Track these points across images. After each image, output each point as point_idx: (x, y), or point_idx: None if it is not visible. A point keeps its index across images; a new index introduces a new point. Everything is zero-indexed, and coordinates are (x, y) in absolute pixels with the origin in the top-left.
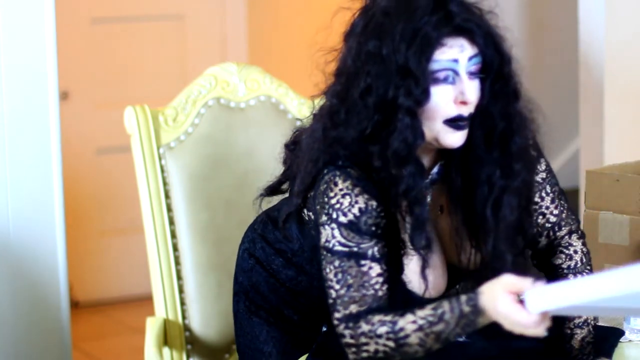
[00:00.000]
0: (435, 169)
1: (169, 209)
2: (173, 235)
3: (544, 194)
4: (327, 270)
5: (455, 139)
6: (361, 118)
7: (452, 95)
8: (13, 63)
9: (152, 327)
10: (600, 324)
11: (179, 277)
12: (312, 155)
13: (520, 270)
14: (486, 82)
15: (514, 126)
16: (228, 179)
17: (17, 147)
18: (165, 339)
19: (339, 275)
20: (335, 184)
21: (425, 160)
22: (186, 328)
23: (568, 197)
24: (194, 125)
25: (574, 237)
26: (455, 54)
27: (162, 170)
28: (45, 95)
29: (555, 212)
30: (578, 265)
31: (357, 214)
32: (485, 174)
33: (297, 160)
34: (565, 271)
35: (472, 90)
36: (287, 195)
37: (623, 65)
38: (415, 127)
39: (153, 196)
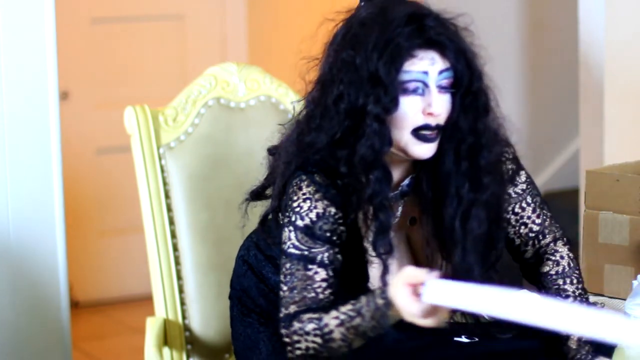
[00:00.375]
0: (406, 181)
1: (169, 209)
2: (173, 235)
3: (524, 205)
4: (281, 270)
5: (423, 150)
6: (333, 124)
7: (420, 106)
8: (13, 63)
9: (152, 327)
10: None
11: (179, 277)
12: (287, 159)
13: (490, 282)
14: (457, 97)
15: (483, 141)
16: (228, 179)
17: (17, 147)
18: (165, 339)
19: (288, 277)
20: (300, 188)
21: (397, 172)
22: (186, 328)
23: (568, 197)
24: (194, 125)
25: (559, 243)
26: (426, 67)
27: (162, 170)
28: (45, 95)
29: (538, 221)
30: (566, 270)
31: (314, 218)
32: (454, 187)
33: (275, 164)
34: (554, 277)
35: (439, 102)
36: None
37: (623, 65)
38: (383, 134)
39: (153, 196)
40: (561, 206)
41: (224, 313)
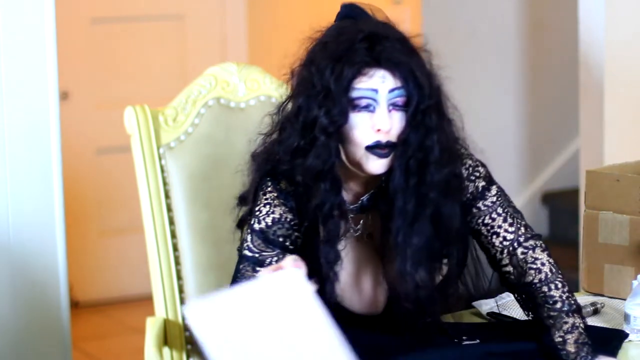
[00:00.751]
0: (366, 196)
1: (169, 209)
2: (173, 235)
3: (495, 215)
4: (235, 270)
5: (376, 166)
6: (294, 135)
7: (370, 123)
8: (13, 63)
9: (152, 327)
10: (601, 325)
11: (179, 277)
12: (258, 166)
13: (430, 294)
14: (408, 115)
15: (431, 157)
16: (228, 179)
17: (17, 147)
18: (165, 339)
19: (238, 278)
20: (264, 194)
21: (359, 186)
22: (186, 328)
23: (568, 197)
24: (194, 125)
25: (538, 250)
26: (376, 84)
27: (162, 170)
28: (45, 95)
29: (511, 229)
30: (549, 277)
31: (270, 223)
32: (401, 202)
33: (252, 170)
34: (538, 285)
35: (385, 119)
36: None
37: (623, 65)
38: (330, 146)
39: (153, 196)
40: (561, 206)
41: None
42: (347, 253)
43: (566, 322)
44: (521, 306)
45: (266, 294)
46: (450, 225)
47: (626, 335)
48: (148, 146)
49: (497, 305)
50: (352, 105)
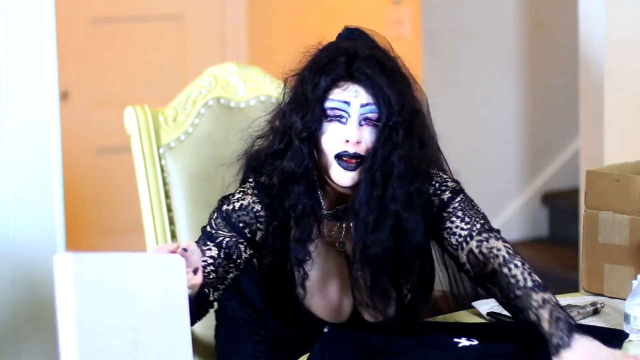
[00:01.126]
0: (342, 207)
1: (169, 209)
2: (173, 235)
3: (454, 218)
4: None
5: (343, 177)
6: (276, 138)
7: (340, 133)
8: (13, 63)
9: None
10: (601, 325)
11: None
12: (250, 163)
13: (393, 306)
14: (378, 130)
15: (395, 171)
16: (228, 179)
17: (17, 147)
18: None
19: None
20: (244, 183)
21: (336, 196)
22: None
23: (568, 197)
24: (194, 125)
25: (492, 240)
26: (348, 97)
27: (162, 170)
28: (45, 95)
29: (466, 226)
30: (507, 258)
31: (236, 207)
32: (363, 213)
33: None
34: (498, 269)
35: (354, 132)
36: None
37: (623, 65)
38: (304, 150)
39: (153, 196)
40: (561, 206)
41: None
42: (317, 257)
43: (535, 300)
44: (506, 309)
45: (141, 268)
46: (413, 238)
47: (626, 335)
48: (148, 146)
49: (497, 305)
50: (326, 114)
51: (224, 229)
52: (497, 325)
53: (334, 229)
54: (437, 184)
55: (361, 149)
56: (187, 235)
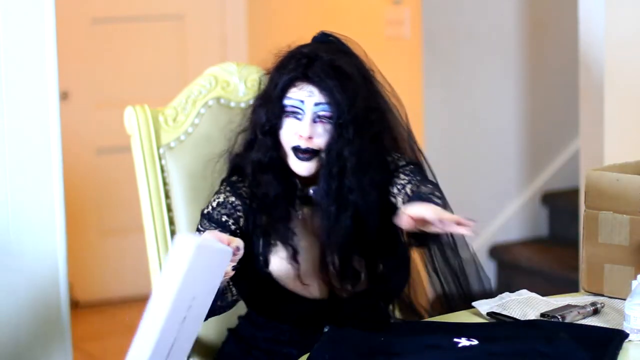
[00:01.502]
0: (311, 190)
1: (169, 209)
2: (173, 235)
3: (402, 176)
4: None
5: (299, 167)
6: (248, 131)
7: (295, 129)
8: (13, 63)
9: None
10: (601, 325)
11: None
12: (231, 161)
13: (353, 281)
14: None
15: (349, 165)
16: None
17: (17, 147)
18: None
19: None
20: (221, 185)
21: (305, 181)
22: None
23: (568, 197)
24: (194, 125)
25: (423, 187)
26: (303, 96)
27: (162, 170)
28: (45, 95)
29: (406, 177)
30: (413, 182)
31: (215, 205)
32: (325, 205)
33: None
34: (410, 194)
35: (306, 128)
36: None
37: (623, 65)
38: (267, 142)
39: (153, 196)
40: (561, 206)
41: (224, 313)
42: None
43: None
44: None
45: (210, 254)
46: (372, 222)
47: (626, 335)
48: (148, 146)
49: (497, 305)
50: (284, 111)
51: (210, 227)
52: (497, 325)
53: (304, 210)
54: (395, 157)
55: (314, 144)
56: None
